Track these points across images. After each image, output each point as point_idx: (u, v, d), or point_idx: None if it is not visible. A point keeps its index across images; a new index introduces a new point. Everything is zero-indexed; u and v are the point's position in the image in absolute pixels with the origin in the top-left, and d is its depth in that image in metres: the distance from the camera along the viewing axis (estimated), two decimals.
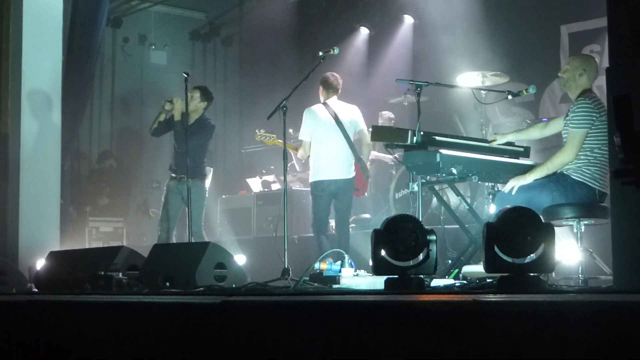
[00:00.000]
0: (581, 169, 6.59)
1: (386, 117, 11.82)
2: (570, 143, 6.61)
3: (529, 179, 6.70)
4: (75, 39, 11.94)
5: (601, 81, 9.95)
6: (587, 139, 6.57)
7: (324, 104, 8.92)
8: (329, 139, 8.82)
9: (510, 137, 7.41)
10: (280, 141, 9.10)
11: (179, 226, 9.67)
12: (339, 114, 8.89)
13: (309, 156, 9.03)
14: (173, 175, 9.53)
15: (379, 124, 11.45)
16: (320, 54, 8.01)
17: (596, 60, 7.20)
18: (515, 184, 6.71)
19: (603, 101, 6.79)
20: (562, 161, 6.64)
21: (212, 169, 11.27)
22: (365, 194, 9.72)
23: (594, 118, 6.55)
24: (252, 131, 10.57)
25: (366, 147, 9.24)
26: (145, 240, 12.42)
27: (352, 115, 9.06)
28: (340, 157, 8.82)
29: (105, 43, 14.50)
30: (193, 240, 9.05)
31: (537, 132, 7.38)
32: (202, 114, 9.59)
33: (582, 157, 6.59)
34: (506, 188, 6.77)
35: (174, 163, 9.57)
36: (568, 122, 6.70)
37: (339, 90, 9.04)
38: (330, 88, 8.93)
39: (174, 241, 9.44)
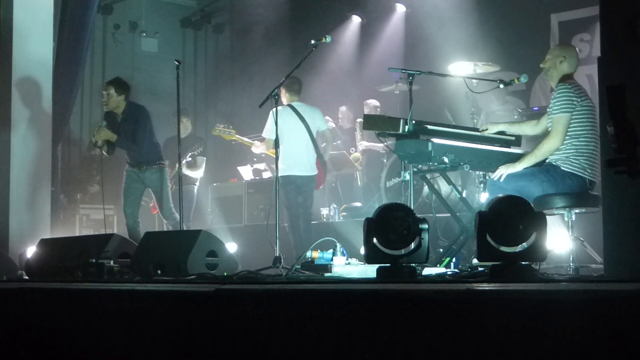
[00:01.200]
0: (569, 159, 6.61)
1: (372, 105, 11.85)
2: (555, 129, 6.64)
3: (518, 167, 6.72)
4: (66, 26, 11.88)
5: (592, 70, 10.04)
6: (572, 125, 6.60)
7: (289, 105, 9.40)
8: (295, 138, 9.31)
9: (501, 127, 7.43)
10: (239, 137, 10.55)
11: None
12: (304, 115, 9.45)
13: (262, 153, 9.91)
14: (130, 166, 9.57)
15: (365, 113, 11.47)
16: (312, 42, 7.98)
17: (577, 49, 7.23)
18: (504, 171, 6.73)
19: (584, 87, 6.83)
20: (549, 148, 6.67)
21: (205, 159, 11.29)
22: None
23: (575, 102, 6.59)
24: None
25: (329, 145, 9.98)
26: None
27: (316, 116, 9.64)
28: (305, 154, 9.41)
29: (96, 30, 14.45)
30: (166, 223, 9.43)
31: (529, 129, 7.37)
32: (124, 105, 9.50)
33: (569, 146, 6.61)
34: (495, 175, 6.79)
35: (127, 156, 9.59)
36: (551, 109, 6.74)
37: (300, 93, 9.59)
38: (293, 91, 9.49)
39: (140, 226, 9.46)
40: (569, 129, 6.60)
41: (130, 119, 9.42)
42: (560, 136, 6.60)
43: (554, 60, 6.89)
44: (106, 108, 9.53)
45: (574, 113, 6.59)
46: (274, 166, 8.52)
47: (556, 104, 6.65)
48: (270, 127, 9.16)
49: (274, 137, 8.85)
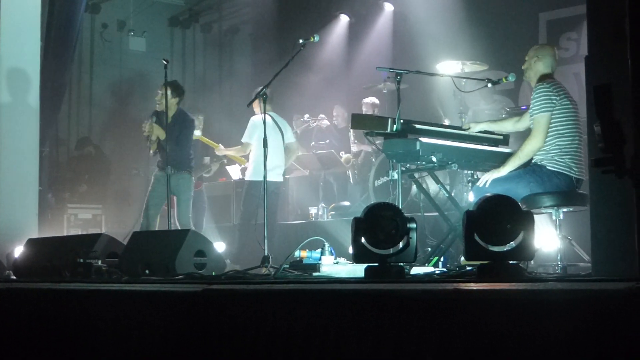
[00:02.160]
0: (554, 159, 6.63)
1: (370, 103, 11.80)
2: (536, 129, 6.67)
3: (503, 171, 6.74)
4: (53, 25, 11.84)
5: (579, 69, 10.06)
6: (553, 124, 6.63)
7: (266, 114, 9.42)
8: (272, 145, 9.27)
9: (483, 126, 7.46)
10: (205, 138, 10.92)
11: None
12: (280, 125, 9.90)
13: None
14: (159, 169, 9.63)
15: (363, 111, 11.47)
16: (301, 41, 7.97)
17: (554, 48, 7.24)
18: (489, 177, 6.75)
19: (573, 86, 6.85)
20: (532, 148, 6.69)
21: (208, 157, 11.50)
22: None
23: (554, 101, 6.63)
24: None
25: (293, 154, 10.53)
26: (124, 228, 12.37)
27: (287, 128, 10.19)
28: (278, 162, 9.82)
29: (84, 29, 14.40)
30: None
31: (510, 125, 7.41)
32: (176, 109, 9.64)
33: (552, 146, 6.64)
34: (480, 182, 6.81)
35: (160, 160, 9.68)
36: (531, 110, 6.76)
37: (272, 102, 9.75)
38: (267, 101, 9.41)
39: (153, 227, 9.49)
40: (551, 128, 6.64)
41: (178, 123, 9.56)
42: (542, 135, 6.64)
43: (530, 61, 6.98)
44: (159, 107, 9.59)
45: (554, 112, 6.63)
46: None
47: (535, 104, 6.70)
48: (250, 133, 9.79)
49: (252, 143, 9.67)
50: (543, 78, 6.84)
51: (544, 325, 3.03)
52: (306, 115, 12.62)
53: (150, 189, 9.67)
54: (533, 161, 6.75)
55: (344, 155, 12.01)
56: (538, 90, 6.71)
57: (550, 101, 6.63)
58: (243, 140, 9.95)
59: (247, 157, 10.38)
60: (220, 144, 10.77)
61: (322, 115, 12.64)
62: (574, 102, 6.75)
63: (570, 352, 2.96)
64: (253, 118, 9.92)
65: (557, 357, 2.99)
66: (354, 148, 12.01)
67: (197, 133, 10.76)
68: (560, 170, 6.61)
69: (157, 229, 9.54)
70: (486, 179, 6.76)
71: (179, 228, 9.45)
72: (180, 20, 16.62)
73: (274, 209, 9.81)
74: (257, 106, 9.58)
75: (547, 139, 6.66)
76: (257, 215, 9.62)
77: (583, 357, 2.93)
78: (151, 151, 9.79)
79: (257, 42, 16.25)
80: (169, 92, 9.47)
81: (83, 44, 14.93)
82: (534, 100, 6.71)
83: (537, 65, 6.91)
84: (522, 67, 7.05)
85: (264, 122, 8.02)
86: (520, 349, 3.07)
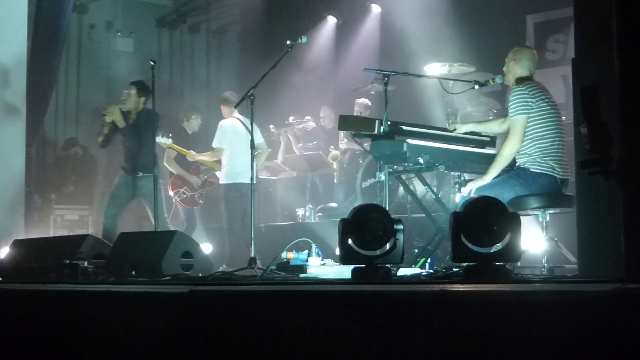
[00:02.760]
0: (537, 161, 6.65)
1: (363, 104, 11.79)
2: (513, 131, 6.71)
3: (486, 179, 6.75)
4: (40, 25, 11.82)
5: (567, 71, 10.07)
6: (532, 126, 6.64)
7: (234, 118, 9.95)
8: (243, 148, 9.42)
9: (469, 127, 7.49)
10: (177, 145, 10.85)
11: (131, 219, 9.70)
12: (247, 127, 9.54)
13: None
14: (126, 172, 9.53)
15: (355, 111, 11.47)
16: (288, 42, 7.97)
17: (532, 51, 7.26)
18: (474, 185, 6.75)
19: (546, 88, 6.87)
20: (510, 151, 6.71)
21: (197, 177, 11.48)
22: None
23: (530, 103, 6.66)
24: (220, 120, 10.57)
25: (263, 155, 10.71)
26: None
27: (257, 130, 9.96)
28: (247, 164, 9.45)
29: (71, 29, 14.37)
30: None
31: (496, 126, 7.43)
32: (142, 108, 9.55)
33: (534, 149, 6.66)
34: (465, 191, 6.81)
35: (124, 162, 9.57)
36: (509, 113, 6.79)
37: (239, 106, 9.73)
38: (232, 104, 9.99)
39: (117, 230, 9.33)
40: (531, 131, 6.66)
41: (143, 123, 9.43)
42: (519, 137, 6.67)
43: (507, 65, 7.04)
44: (124, 108, 9.52)
45: (531, 114, 6.65)
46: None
47: (512, 106, 6.74)
48: (221, 138, 10.07)
49: (223, 147, 9.95)
50: (520, 81, 6.87)
51: (531, 326, 3.04)
52: (291, 117, 12.61)
53: (114, 189, 9.59)
54: (516, 165, 6.77)
55: (332, 152, 11.98)
56: (514, 93, 6.75)
57: (526, 104, 6.66)
58: (214, 145, 10.10)
59: (219, 162, 10.48)
60: (191, 150, 10.72)
61: (308, 117, 12.64)
62: (553, 103, 6.77)
63: (557, 353, 2.96)
64: (222, 123, 10.15)
65: (542, 358, 2.99)
66: (343, 146, 12.00)
67: (168, 142, 10.66)
68: (544, 172, 6.62)
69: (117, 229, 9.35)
70: (470, 187, 6.76)
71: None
72: (168, 20, 16.58)
73: (249, 208, 9.77)
74: (225, 110, 10.04)
75: (527, 142, 6.67)
76: (241, 212, 9.94)
77: (569, 358, 2.93)
78: (100, 139, 9.66)
79: (245, 43, 16.23)
80: (133, 91, 9.45)
81: (70, 45, 14.90)
82: (510, 103, 6.75)
83: (515, 69, 6.95)
84: (503, 69, 7.08)
85: (252, 125, 8.05)
86: (507, 350, 3.07)
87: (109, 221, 9.37)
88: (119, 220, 9.43)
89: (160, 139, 10.39)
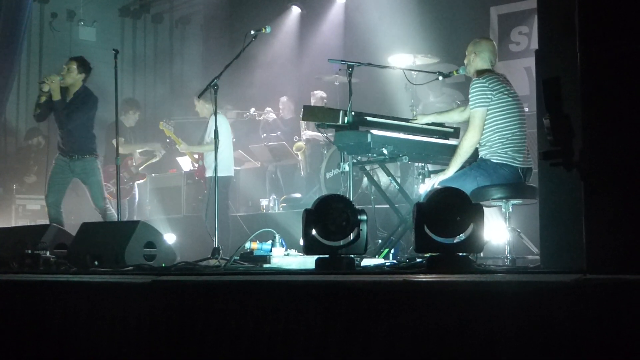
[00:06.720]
0: (497, 152, 6.67)
1: (318, 96, 11.80)
2: (472, 123, 6.73)
3: (448, 172, 6.75)
4: (1, 14, 11.69)
5: (530, 63, 10.14)
6: (492, 117, 6.67)
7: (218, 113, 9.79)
8: (228, 143, 10.07)
9: (431, 118, 7.53)
10: (174, 135, 11.01)
11: (73, 203, 9.68)
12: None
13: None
14: (62, 154, 9.25)
15: (312, 104, 11.45)
16: (252, 32, 7.94)
17: (492, 42, 7.28)
18: (436, 180, 6.76)
19: (507, 79, 6.90)
20: (469, 143, 6.73)
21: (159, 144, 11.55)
22: None
23: (489, 95, 6.68)
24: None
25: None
26: (73, 219, 12.26)
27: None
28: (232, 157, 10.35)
29: (33, 18, 14.21)
30: (100, 215, 9.24)
31: (457, 115, 7.48)
32: (80, 86, 9.27)
33: (495, 140, 6.68)
34: (427, 186, 6.82)
35: (61, 142, 9.27)
36: (469, 105, 6.82)
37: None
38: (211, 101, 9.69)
39: (63, 216, 9.26)
40: (491, 123, 6.68)
41: (79, 101, 9.18)
42: (478, 129, 6.69)
43: (468, 57, 7.07)
44: (62, 83, 9.16)
45: (490, 106, 6.68)
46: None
47: (471, 99, 6.76)
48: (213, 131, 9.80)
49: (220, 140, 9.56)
50: (481, 73, 6.89)
51: (493, 316, 3.05)
52: (252, 109, 12.59)
53: (49, 175, 9.28)
54: (478, 157, 6.80)
55: (296, 142, 11.96)
56: (474, 86, 6.77)
57: (485, 96, 6.68)
58: (208, 139, 9.96)
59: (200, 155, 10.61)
60: (182, 142, 10.65)
61: (269, 109, 12.64)
62: (514, 94, 6.79)
63: (519, 343, 2.98)
64: (211, 117, 9.95)
65: (504, 348, 3.01)
66: (305, 137, 11.99)
67: (171, 129, 10.97)
68: (505, 162, 6.65)
69: (62, 216, 9.23)
70: (432, 182, 6.77)
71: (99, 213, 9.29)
72: (131, 10, 16.46)
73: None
74: (205, 108, 10.06)
75: (488, 134, 6.70)
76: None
77: (531, 348, 2.95)
78: (36, 110, 9.31)
79: (208, 33, 16.15)
80: (74, 66, 9.22)
81: (32, 34, 14.74)
82: (470, 96, 6.78)
83: (475, 61, 6.97)
84: (464, 62, 7.10)
85: (215, 114, 7.98)
86: (469, 340, 3.09)
87: (52, 210, 9.16)
88: (79, 206, 9.32)
89: (164, 125, 10.88)
